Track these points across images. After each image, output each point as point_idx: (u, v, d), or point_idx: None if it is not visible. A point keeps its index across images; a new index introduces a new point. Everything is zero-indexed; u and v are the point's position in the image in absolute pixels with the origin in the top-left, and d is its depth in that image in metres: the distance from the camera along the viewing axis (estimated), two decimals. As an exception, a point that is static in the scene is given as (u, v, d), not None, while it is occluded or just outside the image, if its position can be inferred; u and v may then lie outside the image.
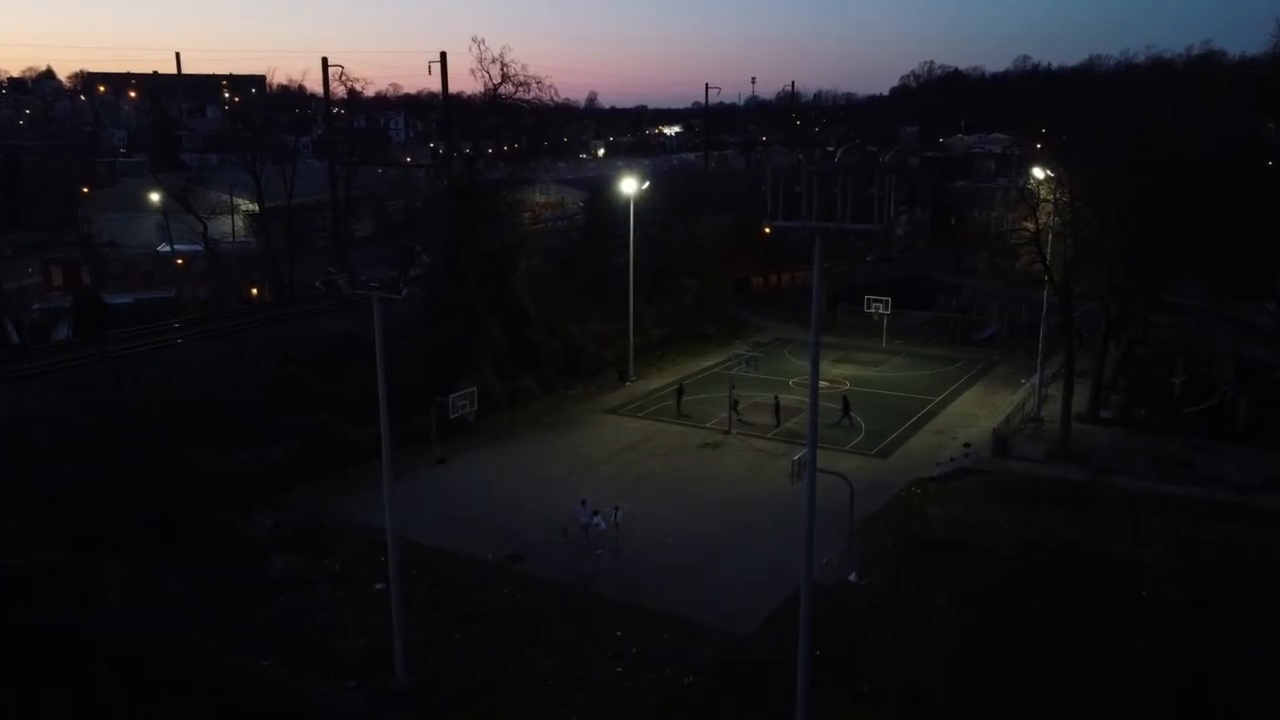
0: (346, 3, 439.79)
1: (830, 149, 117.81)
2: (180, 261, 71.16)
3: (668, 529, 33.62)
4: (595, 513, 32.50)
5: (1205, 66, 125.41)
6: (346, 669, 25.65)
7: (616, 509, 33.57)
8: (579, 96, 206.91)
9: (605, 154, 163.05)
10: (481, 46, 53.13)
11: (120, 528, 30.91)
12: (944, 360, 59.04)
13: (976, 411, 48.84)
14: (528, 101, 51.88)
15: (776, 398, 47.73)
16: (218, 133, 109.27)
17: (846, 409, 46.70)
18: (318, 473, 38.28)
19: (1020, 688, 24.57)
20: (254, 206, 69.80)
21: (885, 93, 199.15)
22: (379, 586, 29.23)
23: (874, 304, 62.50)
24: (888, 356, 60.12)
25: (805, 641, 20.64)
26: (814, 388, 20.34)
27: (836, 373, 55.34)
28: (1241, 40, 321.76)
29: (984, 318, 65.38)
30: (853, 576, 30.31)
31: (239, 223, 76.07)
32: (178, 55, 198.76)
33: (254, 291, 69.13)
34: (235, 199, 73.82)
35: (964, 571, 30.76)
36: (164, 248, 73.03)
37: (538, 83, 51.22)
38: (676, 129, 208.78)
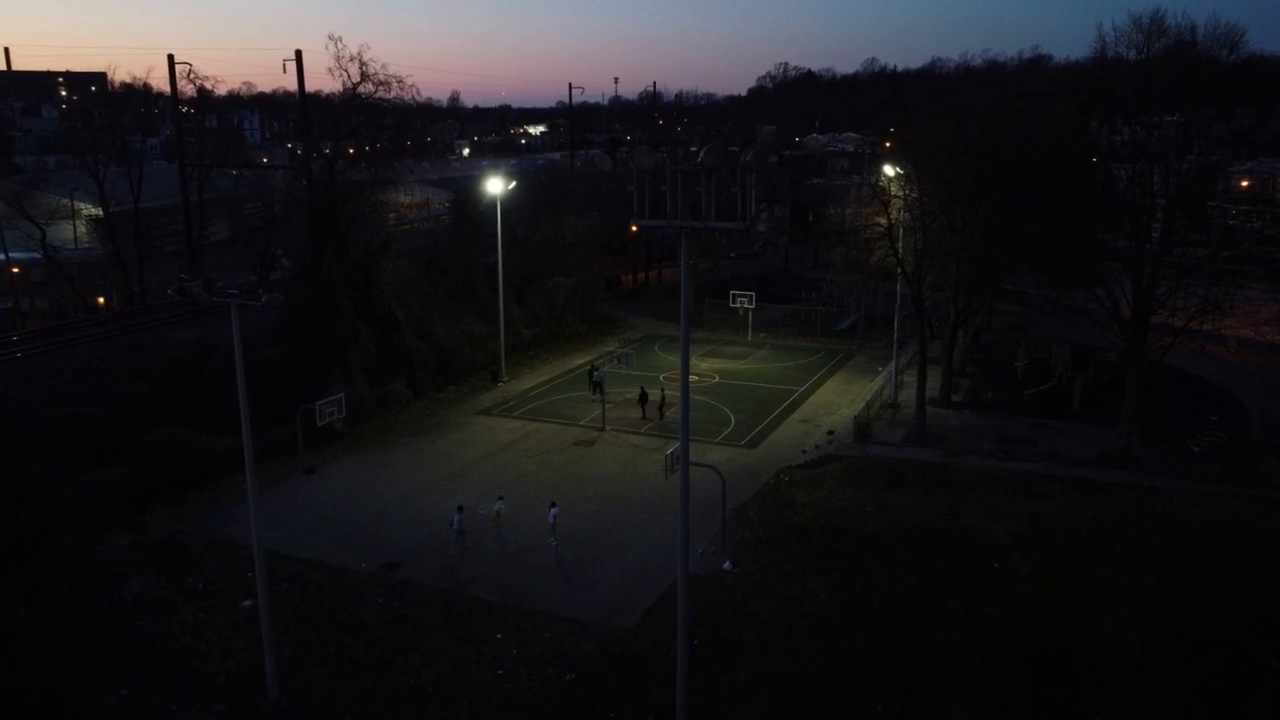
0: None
1: (693, 149, 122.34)
2: (16, 270, 66.38)
3: (546, 528, 33.72)
4: (460, 511, 32.98)
5: (1034, 69, 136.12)
6: (214, 692, 24.72)
7: (500, 498, 34.78)
8: (441, 95, 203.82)
9: (470, 154, 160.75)
10: (339, 45, 52.60)
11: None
12: (807, 351, 61.08)
13: (838, 400, 50.75)
14: (388, 100, 51.23)
15: (663, 391, 48.50)
16: (55, 133, 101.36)
17: (645, 398, 47.53)
18: (177, 489, 36.62)
19: (890, 662, 25.71)
20: (98, 211, 65.95)
21: (743, 93, 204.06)
22: (246, 604, 28.33)
23: (739, 299, 64.14)
24: (754, 349, 61.78)
25: (685, 632, 21.13)
26: (684, 382, 20.85)
27: (705, 366, 56.55)
28: (1067, 45, 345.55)
29: (843, 310, 67.98)
30: (728, 565, 31.13)
31: (81, 228, 71.56)
32: (6, 51, 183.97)
33: (101, 300, 65.26)
34: (77, 203, 69.38)
35: (833, 554, 31.98)
36: None
37: (398, 81, 50.61)
38: (541, 128, 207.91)
